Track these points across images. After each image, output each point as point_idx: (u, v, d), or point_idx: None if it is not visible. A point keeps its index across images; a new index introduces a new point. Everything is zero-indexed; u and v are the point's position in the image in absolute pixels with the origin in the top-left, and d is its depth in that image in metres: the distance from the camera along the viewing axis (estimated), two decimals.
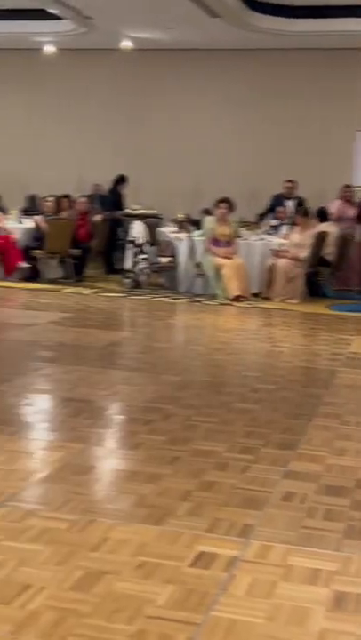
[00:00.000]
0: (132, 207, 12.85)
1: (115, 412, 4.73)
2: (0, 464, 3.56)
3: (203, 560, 2.69)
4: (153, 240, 11.16)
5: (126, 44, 13.94)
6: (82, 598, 2.38)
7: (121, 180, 13.40)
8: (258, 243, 10.77)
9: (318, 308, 9.70)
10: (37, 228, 11.34)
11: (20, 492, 3.24)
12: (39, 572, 2.53)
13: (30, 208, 12.94)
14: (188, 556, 2.72)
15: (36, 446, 3.91)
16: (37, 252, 11.15)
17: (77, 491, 3.28)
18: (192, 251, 10.47)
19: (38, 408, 4.73)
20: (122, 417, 4.56)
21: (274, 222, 11.58)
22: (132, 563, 2.64)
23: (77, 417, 4.41)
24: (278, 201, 12.13)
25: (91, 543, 2.77)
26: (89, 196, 12.85)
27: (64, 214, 11.92)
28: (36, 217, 11.52)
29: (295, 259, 10.24)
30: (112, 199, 13.28)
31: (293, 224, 10.97)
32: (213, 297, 10.10)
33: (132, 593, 2.43)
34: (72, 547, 2.73)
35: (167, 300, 10.00)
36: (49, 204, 11.77)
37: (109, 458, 3.84)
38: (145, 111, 14.87)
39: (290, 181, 12.21)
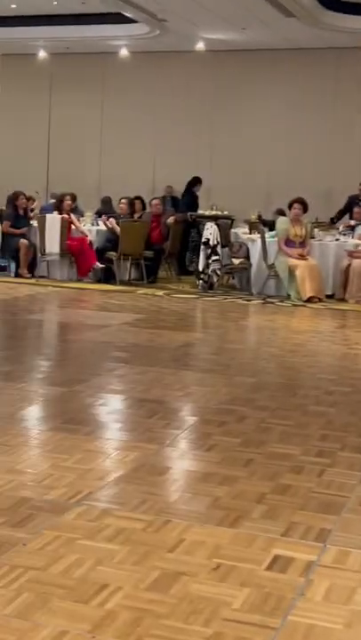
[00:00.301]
0: (208, 212, 12.89)
1: (188, 414, 4.73)
2: (76, 463, 3.60)
3: (279, 564, 2.67)
4: (226, 241, 11.15)
5: (199, 45, 13.99)
6: (158, 599, 2.38)
7: (196, 181, 13.42)
8: (332, 243, 10.65)
9: None
10: (111, 230, 11.46)
11: (96, 491, 3.27)
12: (116, 572, 2.55)
13: (104, 210, 13.09)
14: (264, 559, 2.69)
15: (111, 446, 3.93)
16: (111, 254, 11.27)
17: (152, 491, 3.29)
18: (265, 252, 10.42)
19: (113, 408, 4.77)
20: (196, 418, 4.55)
21: (352, 222, 11.45)
22: (207, 565, 2.63)
23: (151, 418, 4.43)
24: (354, 202, 11.98)
25: (166, 544, 2.77)
26: (161, 198, 12.93)
27: (137, 216, 12.02)
28: (110, 219, 11.64)
29: None
30: (187, 201, 13.33)
31: None
32: (287, 298, 10.04)
33: (208, 595, 2.42)
34: (148, 547, 2.74)
35: (240, 301, 9.98)
36: (122, 206, 11.89)
37: (184, 459, 3.84)
38: (217, 112, 14.90)
39: None
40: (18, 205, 11.56)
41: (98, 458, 3.73)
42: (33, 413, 4.61)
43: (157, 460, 3.75)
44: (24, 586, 2.42)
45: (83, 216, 12.26)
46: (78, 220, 11.77)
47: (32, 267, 11.43)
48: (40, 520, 2.93)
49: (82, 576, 2.51)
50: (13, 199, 11.58)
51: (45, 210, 12.21)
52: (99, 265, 11.22)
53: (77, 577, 2.50)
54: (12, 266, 11.67)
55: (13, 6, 12.99)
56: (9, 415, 4.40)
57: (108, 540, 2.78)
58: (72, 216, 11.53)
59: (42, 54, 15.45)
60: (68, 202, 11.50)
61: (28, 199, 12.03)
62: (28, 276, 11.25)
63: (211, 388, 5.23)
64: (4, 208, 12.26)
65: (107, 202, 13.70)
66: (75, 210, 11.94)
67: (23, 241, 11.31)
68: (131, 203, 12.09)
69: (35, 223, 11.58)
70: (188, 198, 13.39)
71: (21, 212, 11.63)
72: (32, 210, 12.42)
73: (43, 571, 2.53)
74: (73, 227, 11.39)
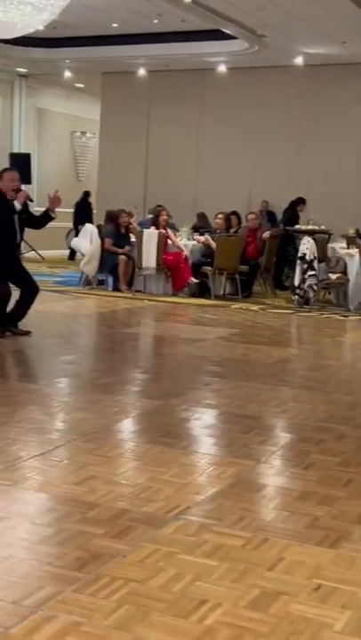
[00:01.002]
0: (305, 227, 12.81)
1: (285, 431, 4.68)
2: (173, 477, 3.62)
3: None
4: (323, 256, 11.03)
5: (298, 60, 13.93)
6: (258, 618, 2.36)
7: (300, 201, 13.39)
8: None
9: None
10: (206, 244, 11.52)
11: (194, 506, 3.27)
12: (215, 588, 2.54)
13: (200, 225, 13.16)
14: None
15: (208, 461, 3.93)
16: (206, 269, 11.32)
17: (250, 508, 3.27)
18: None
19: (209, 423, 4.77)
20: (293, 435, 4.51)
21: None
22: (307, 585, 2.59)
23: (248, 433, 4.41)
24: None
25: (266, 562, 2.74)
26: (258, 213, 12.91)
27: (233, 231, 12.04)
28: (206, 234, 11.71)
29: None
30: (289, 215, 13.28)
31: None
32: None
33: (308, 616, 2.38)
34: (247, 564, 2.72)
35: (336, 317, 9.85)
36: (218, 221, 11.93)
37: (281, 476, 3.80)
38: (315, 126, 14.77)
39: None
40: (120, 223, 11.74)
41: (194, 472, 3.73)
42: (130, 426, 4.66)
43: (254, 476, 3.72)
44: (124, 598, 2.44)
45: (178, 231, 12.35)
46: (175, 234, 11.87)
47: (129, 281, 11.59)
48: (139, 532, 2.95)
49: (181, 591, 2.51)
50: (115, 217, 11.77)
51: (143, 225, 12.37)
52: (193, 280, 11.29)
53: (177, 591, 2.50)
54: (110, 280, 11.86)
55: (115, 25, 13.26)
56: (107, 427, 4.46)
57: (207, 556, 2.78)
58: (168, 231, 11.64)
59: (141, 72, 15.69)
60: (164, 217, 11.62)
61: (129, 214, 12.17)
62: (127, 290, 11.39)
63: (308, 405, 5.17)
64: (102, 223, 12.50)
65: (202, 217, 13.77)
66: (169, 225, 12.06)
67: (122, 257, 11.47)
68: (227, 218, 12.13)
69: (133, 238, 11.74)
70: (290, 214, 13.33)
71: (122, 229, 11.80)
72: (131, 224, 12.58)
73: (142, 583, 2.54)
74: (169, 241, 11.49)
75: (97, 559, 2.71)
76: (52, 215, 7.48)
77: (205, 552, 2.81)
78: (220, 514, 3.20)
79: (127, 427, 4.62)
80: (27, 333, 7.44)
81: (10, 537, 2.87)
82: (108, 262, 11.63)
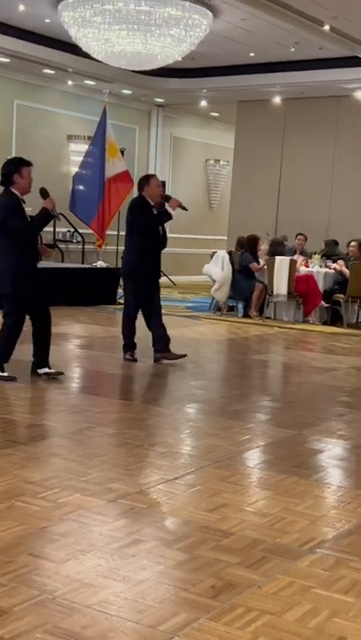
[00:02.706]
0: None
1: None
2: (308, 509, 3.56)
3: None
4: None
5: None
6: None
7: None
8: None
9: None
10: (339, 272, 11.36)
11: (329, 539, 3.21)
12: (353, 626, 2.47)
13: (331, 252, 12.99)
14: None
15: (343, 494, 3.85)
16: (339, 296, 11.16)
17: None
18: None
19: (343, 455, 4.67)
20: None
21: None
22: None
23: None
24: None
25: None
26: None
27: None
28: (338, 262, 11.57)
29: None
30: None
31: None
32: None
33: None
34: None
35: None
36: (352, 248, 11.76)
37: None
38: None
39: None
40: (258, 249, 11.79)
41: (329, 505, 3.67)
42: (262, 454, 4.62)
43: None
44: (260, 629, 2.41)
45: (310, 257, 12.24)
46: (305, 262, 11.79)
47: (260, 308, 11.58)
48: (274, 564, 2.92)
49: (318, 626, 2.46)
50: (253, 243, 11.78)
51: None
52: (324, 304, 11.16)
53: (313, 627, 2.45)
54: (240, 306, 11.88)
55: (252, 55, 13.38)
56: (238, 454, 4.45)
57: (344, 592, 2.71)
58: (298, 257, 11.57)
59: (276, 99, 15.73)
60: (300, 241, 11.58)
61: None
62: (257, 317, 11.38)
63: None
64: (233, 250, 12.56)
65: (333, 244, 13.59)
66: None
67: (259, 284, 11.48)
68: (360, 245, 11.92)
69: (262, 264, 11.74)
70: None
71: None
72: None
73: (278, 616, 2.51)
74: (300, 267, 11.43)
75: (232, 588, 2.69)
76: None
77: (342, 588, 2.74)
78: (356, 549, 3.12)
79: (259, 455, 4.59)
80: (182, 357, 7.47)
81: (145, 560, 2.90)
82: (241, 288, 11.65)
